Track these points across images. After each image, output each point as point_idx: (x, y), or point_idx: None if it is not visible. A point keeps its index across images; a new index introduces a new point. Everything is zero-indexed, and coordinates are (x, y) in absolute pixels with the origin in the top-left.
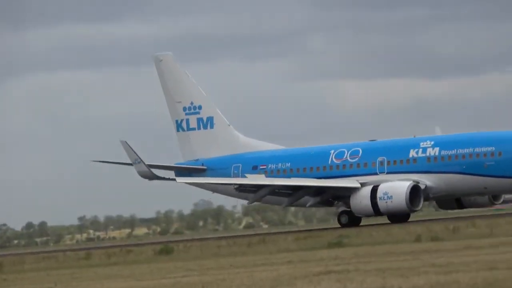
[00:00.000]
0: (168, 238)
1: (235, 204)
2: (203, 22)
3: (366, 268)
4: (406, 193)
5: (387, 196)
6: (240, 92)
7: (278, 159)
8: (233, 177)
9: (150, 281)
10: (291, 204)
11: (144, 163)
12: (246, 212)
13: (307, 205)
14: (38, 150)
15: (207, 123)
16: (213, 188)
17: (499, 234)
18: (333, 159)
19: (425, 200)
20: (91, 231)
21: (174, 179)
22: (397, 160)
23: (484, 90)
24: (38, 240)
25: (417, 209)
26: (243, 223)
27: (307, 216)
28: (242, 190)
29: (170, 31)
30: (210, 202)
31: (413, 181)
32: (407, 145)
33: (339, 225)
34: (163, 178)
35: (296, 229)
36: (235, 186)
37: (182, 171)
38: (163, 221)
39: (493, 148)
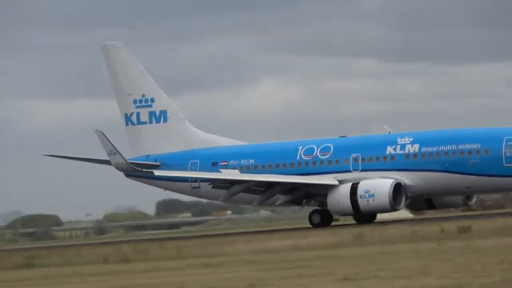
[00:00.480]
0: None
1: None
2: None
3: None
4: (390, 191)
5: (369, 194)
6: None
7: (240, 155)
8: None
9: None
10: (262, 203)
11: (121, 155)
12: None
13: (277, 203)
14: None
15: (160, 116)
16: (166, 185)
17: (187, 256)
18: (302, 156)
19: None
20: None
21: (152, 172)
22: (373, 157)
23: None
24: None
25: (399, 208)
26: None
27: None
28: (217, 186)
29: None
30: None
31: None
32: (383, 142)
33: (310, 225)
34: (141, 171)
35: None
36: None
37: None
38: None
39: (479, 145)
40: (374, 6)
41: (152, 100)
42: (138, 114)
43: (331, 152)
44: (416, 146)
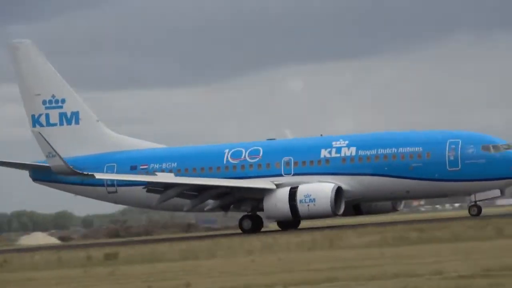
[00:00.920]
0: None
1: None
2: None
3: None
4: (332, 196)
5: (310, 199)
6: None
7: (161, 158)
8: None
9: None
10: (193, 208)
11: (61, 157)
12: None
13: (206, 209)
14: None
15: (72, 118)
16: (78, 190)
17: None
18: (229, 159)
19: None
20: None
21: (92, 175)
22: (306, 160)
23: None
24: None
25: (339, 213)
26: None
27: None
28: (151, 190)
29: None
30: None
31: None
32: (317, 145)
33: (240, 231)
34: (82, 174)
35: None
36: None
37: (41, 170)
38: None
39: (421, 149)
40: None
41: (63, 101)
42: (47, 116)
43: (260, 155)
44: (353, 149)
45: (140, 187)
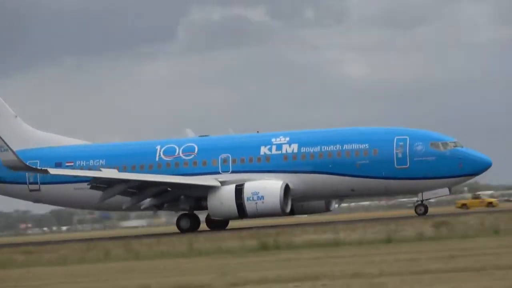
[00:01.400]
0: None
1: None
2: None
3: None
4: (280, 194)
5: (258, 197)
6: None
7: (88, 155)
8: (29, 174)
9: None
10: (131, 206)
11: (13, 151)
12: None
13: (142, 207)
14: None
15: None
16: None
17: None
18: (162, 156)
19: None
20: None
21: (46, 170)
22: (245, 157)
23: None
24: None
25: (287, 211)
26: None
27: None
28: (95, 187)
29: None
30: None
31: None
32: (255, 141)
33: (178, 231)
34: (35, 169)
35: None
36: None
37: None
38: None
39: (367, 146)
40: None
41: None
42: None
43: (195, 152)
44: (295, 146)
45: (68, 185)
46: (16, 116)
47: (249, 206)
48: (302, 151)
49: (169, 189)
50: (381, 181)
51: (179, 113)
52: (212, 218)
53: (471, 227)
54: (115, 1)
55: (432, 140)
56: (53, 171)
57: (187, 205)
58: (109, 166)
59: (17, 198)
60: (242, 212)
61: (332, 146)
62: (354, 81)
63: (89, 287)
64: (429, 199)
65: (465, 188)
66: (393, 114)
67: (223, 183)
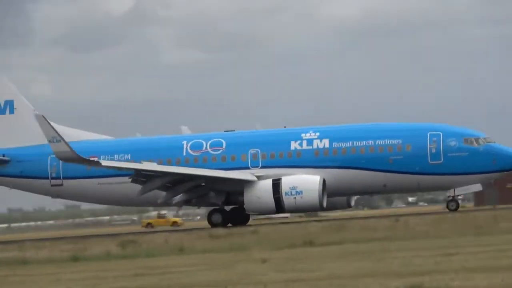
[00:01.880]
0: None
1: None
2: None
3: None
4: (319, 189)
5: (296, 191)
6: None
7: (113, 150)
8: (51, 169)
9: None
10: (167, 201)
11: (65, 142)
12: None
13: (174, 202)
14: None
15: (6, 107)
16: (14, 183)
17: None
18: (189, 151)
19: None
20: None
21: (98, 162)
22: (275, 152)
23: None
24: None
25: (324, 206)
26: None
27: None
28: (135, 180)
29: None
30: None
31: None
32: (285, 137)
33: (209, 226)
34: (87, 161)
35: None
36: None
37: None
38: None
39: (400, 141)
40: None
41: None
42: None
43: (224, 147)
44: (326, 141)
45: (91, 180)
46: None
47: (287, 200)
48: (334, 146)
49: (202, 183)
50: (414, 177)
51: None
52: (247, 212)
53: (157, 245)
54: None
55: (465, 136)
56: (105, 162)
57: (218, 200)
58: (134, 160)
59: (37, 193)
60: (279, 207)
61: (364, 142)
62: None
63: None
64: (460, 195)
65: (150, 208)
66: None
67: (259, 177)
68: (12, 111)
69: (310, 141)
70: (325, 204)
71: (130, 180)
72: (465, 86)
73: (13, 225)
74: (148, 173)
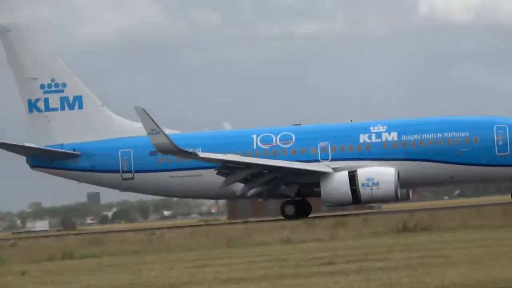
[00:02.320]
0: None
1: None
2: None
3: None
4: (395, 180)
5: (373, 183)
6: None
7: (183, 144)
8: (122, 163)
9: None
10: (245, 193)
11: (165, 134)
12: None
13: (249, 194)
14: None
15: (74, 103)
16: (84, 176)
17: None
18: (259, 144)
19: None
20: None
21: (196, 154)
22: (345, 145)
23: None
24: None
25: (399, 197)
26: None
27: None
28: (220, 172)
29: None
30: None
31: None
32: (355, 130)
33: (283, 217)
34: (186, 153)
35: None
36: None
37: (42, 157)
38: None
39: (468, 134)
40: None
41: (64, 85)
42: (46, 100)
43: (293, 140)
44: (395, 134)
45: (163, 173)
46: (102, 105)
47: (364, 192)
48: (402, 139)
49: (278, 176)
50: (481, 168)
51: None
52: (324, 204)
53: None
54: None
55: None
56: (202, 154)
57: (291, 192)
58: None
59: (108, 187)
60: (356, 198)
61: (432, 134)
62: None
63: None
64: None
65: None
66: None
67: (335, 169)
68: (81, 107)
69: (378, 134)
70: (399, 195)
71: (207, 172)
72: None
73: None
74: (234, 165)
